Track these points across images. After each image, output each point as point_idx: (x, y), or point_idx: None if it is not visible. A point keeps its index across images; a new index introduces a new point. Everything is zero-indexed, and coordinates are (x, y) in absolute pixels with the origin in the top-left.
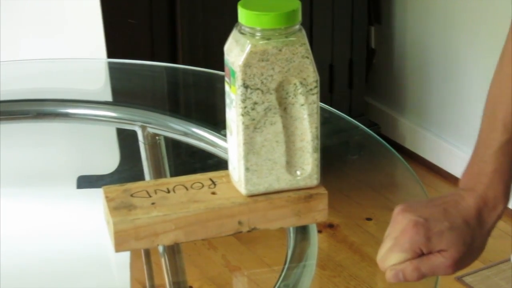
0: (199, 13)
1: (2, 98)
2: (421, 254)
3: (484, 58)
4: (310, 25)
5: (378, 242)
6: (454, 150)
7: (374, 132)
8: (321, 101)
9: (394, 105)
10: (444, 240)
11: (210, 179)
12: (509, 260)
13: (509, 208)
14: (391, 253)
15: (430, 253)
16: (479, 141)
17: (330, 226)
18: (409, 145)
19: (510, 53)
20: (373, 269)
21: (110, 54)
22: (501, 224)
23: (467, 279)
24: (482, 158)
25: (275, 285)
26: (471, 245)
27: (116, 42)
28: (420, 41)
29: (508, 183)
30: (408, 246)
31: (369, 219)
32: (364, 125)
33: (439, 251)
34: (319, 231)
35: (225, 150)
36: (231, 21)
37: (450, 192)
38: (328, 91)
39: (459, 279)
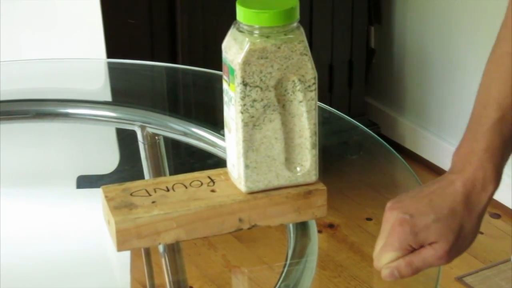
0: (198, 13)
1: (2, 98)
2: (412, 250)
3: (483, 57)
4: (310, 25)
5: None
6: (454, 150)
7: (374, 132)
8: (320, 101)
9: (394, 105)
10: (432, 232)
11: (209, 177)
12: (509, 260)
13: (509, 208)
14: (383, 253)
15: (422, 247)
16: (472, 118)
17: (331, 226)
18: (409, 145)
19: (508, 30)
20: (373, 269)
21: (110, 54)
22: (501, 224)
23: (468, 279)
24: (474, 136)
25: (275, 286)
26: (460, 232)
27: (116, 42)
28: (420, 41)
29: (499, 163)
30: (397, 245)
31: (369, 219)
32: (364, 125)
33: (430, 244)
34: (319, 231)
35: (224, 150)
36: (231, 22)
37: (439, 178)
38: (328, 91)
39: (459, 279)
